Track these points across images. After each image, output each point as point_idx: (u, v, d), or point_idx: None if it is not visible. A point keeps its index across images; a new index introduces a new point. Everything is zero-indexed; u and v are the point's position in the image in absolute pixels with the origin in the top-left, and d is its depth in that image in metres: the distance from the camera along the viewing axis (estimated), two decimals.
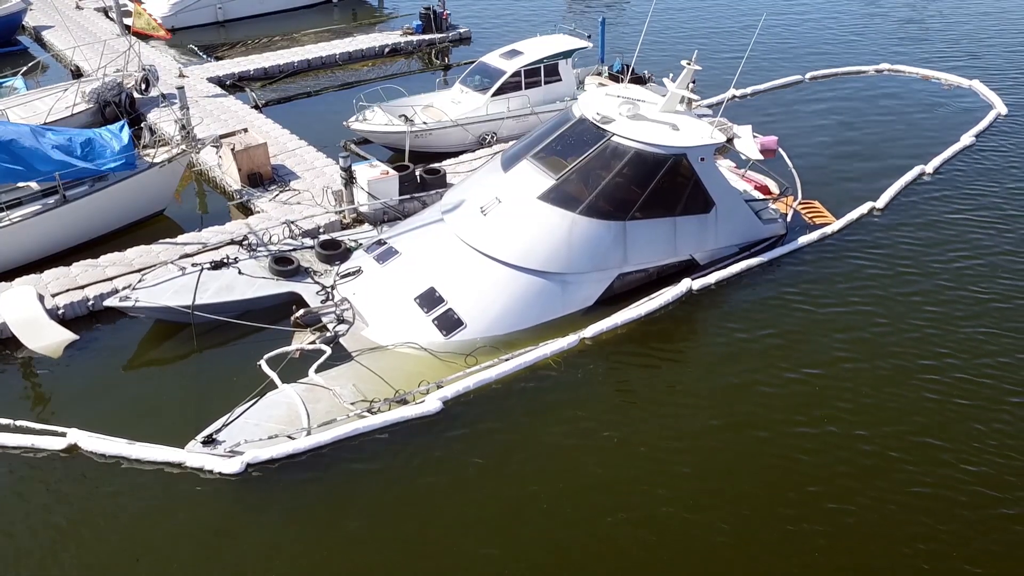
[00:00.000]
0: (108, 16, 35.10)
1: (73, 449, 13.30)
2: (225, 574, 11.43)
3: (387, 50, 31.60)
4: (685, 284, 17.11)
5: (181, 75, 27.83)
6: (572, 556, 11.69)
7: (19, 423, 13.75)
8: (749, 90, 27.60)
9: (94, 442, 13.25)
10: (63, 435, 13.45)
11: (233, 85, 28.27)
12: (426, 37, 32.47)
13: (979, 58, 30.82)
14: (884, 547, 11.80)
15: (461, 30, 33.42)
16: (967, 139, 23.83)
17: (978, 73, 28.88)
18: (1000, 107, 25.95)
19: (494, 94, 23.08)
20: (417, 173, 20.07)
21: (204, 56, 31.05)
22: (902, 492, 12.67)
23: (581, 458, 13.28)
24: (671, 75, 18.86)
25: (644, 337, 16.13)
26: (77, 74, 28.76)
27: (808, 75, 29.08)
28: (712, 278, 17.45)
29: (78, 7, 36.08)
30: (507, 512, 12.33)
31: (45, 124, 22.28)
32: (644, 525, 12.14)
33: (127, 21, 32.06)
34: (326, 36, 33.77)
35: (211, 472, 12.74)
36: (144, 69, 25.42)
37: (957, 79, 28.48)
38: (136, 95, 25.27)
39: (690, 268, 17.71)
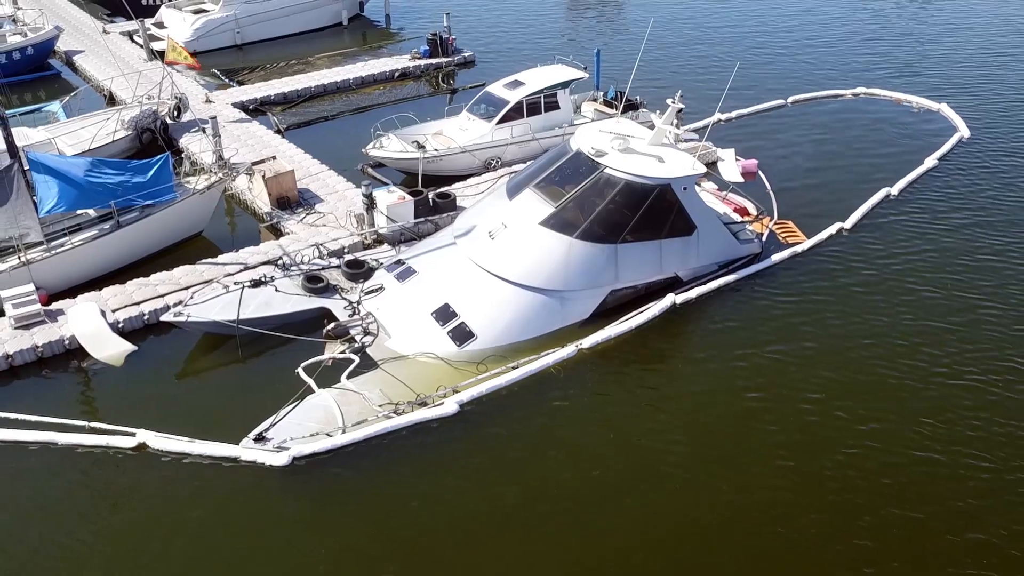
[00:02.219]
0: (133, 40, 37.28)
1: (142, 447, 15.50)
2: (278, 553, 13.61)
3: (397, 74, 33.82)
4: (670, 299, 19.32)
5: (208, 100, 30.04)
6: (581, 504, 14.37)
7: (93, 424, 15.95)
8: (734, 114, 29.78)
9: (160, 441, 15.45)
10: (133, 435, 15.64)
11: (255, 109, 30.47)
12: (433, 61, 34.68)
13: (949, 82, 33.02)
14: (833, 491, 14.66)
15: (466, 54, 35.62)
16: (931, 161, 26.05)
17: (947, 97, 31.09)
18: (964, 130, 28.17)
19: (499, 122, 25.27)
20: (430, 197, 22.25)
21: (227, 80, 33.24)
22: (848, 453, 15.45)
23: (583, 446, 15.56)
24: (658, 112, 21.02)
25: (634, 346, 18.33)
26: (111, 99, 30.99)
27: (790, 99, 31.26)
28: (694, 293, 19.66)
29: (104, 31, 38.17)
30: (520, 488, 14.56)
31: (90, 150, 24.57)
32: (643, 478, 14.79)
33: (154, 46, 34.35)
34: (338, 59, 35.97)
35: (263, 465, 14.94)
36: (176, 97, 27.62)
37: (927, 102, 30.69)
38: (168, 121, 27.46)
39: (674, 284, 19.91)
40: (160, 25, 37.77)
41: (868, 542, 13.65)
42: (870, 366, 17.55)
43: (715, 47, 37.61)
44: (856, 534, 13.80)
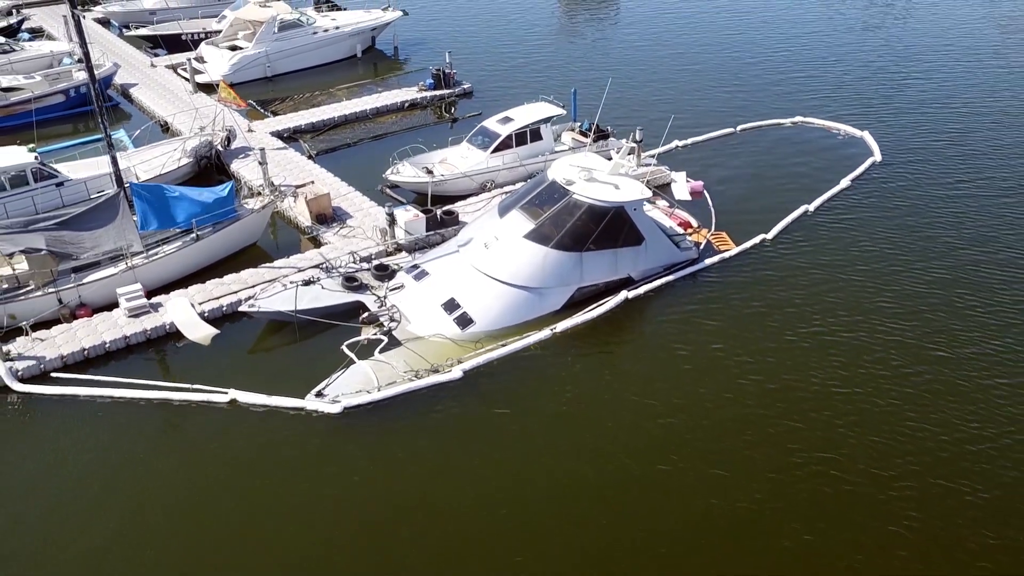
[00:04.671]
0: (177, 73, 43.09)
1: (233, 402, 21.27)
2: (335, 475, 19.34)
3: (407, 104, 39.70)
4: (623, 294, 25.15)
5: (250, 130, 35.85)
6: (554, 436, 19.92)
7: (195, 386, 21.73)
8: (690, 140, 35.62)
9: (247, 397, 21.25)
10: (225, 393, 21.42)
11: (289, 137, 36.29)
12: (437, 93, 40.57)
13: (874, 110, 38.95)
14: (740, 406, 20.00)
15: (465, 86, 41.52)
16: (845, 182, 31.89)
17: (871, 124, 36.94)
18: (877, 155, 34.03)
19: (492, 151, 31.12)
20: (438, 214, 28.07)
21: (263, 111, 39.07)
22: (740, 384, 20.99)
23: (555, 400, 21.26)
24: (618, 149, 26.86)
25: (596, 331, 24.12)
26: (165, 128, 36.82)
27: (739, 127, 37.11)
28: (643, 290, 25.49)
29: (152, 65, 44.03)
30: (513, 431, 20.34)
31: (160, 175, 30.39)
32: (598, 415, 20.32)
33: (199, 78, 40.20)
34: (355, 90, 41.83)
35: (323, 413, 20.70)
36: (227, 129, 33.44)
37: (852, 130, 36.56)
38: (220, 149, 33.28)
39: (628, 283, 25.73)
40: (200, 59, 43.57)
41: (760, 450, 19.53)
42: (771, 330, 23.49)
43: (676, 81, 43.59)
44: (752, 441, 19.67)
